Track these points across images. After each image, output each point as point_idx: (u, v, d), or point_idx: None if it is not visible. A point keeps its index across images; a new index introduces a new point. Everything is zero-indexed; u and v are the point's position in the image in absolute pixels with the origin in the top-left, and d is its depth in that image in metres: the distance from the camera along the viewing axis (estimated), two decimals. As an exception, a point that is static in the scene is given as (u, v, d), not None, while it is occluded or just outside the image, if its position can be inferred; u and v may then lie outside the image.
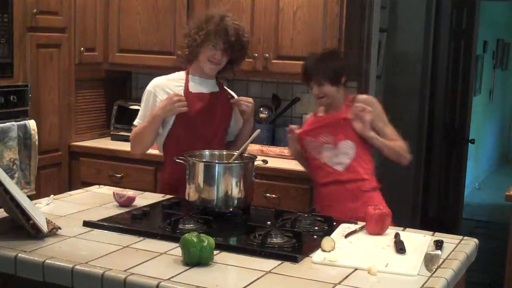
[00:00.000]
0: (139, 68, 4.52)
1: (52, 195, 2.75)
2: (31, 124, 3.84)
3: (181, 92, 3.01)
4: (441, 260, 2.09)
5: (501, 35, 9.44)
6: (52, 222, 2.30)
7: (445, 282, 1.92)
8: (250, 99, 3.09)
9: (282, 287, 1.87)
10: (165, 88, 3.04)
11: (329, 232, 2.31)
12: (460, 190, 5.93)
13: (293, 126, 3.04)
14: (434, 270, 2.00)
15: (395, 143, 2.97)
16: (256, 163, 2.65)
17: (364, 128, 2.87)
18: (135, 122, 3.09)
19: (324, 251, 2.11)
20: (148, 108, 3.05)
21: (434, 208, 5.84)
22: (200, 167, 2.53)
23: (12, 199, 2.16)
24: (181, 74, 3.09)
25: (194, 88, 3.04)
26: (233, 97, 3.15)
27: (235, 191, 2.52)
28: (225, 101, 3.10)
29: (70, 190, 3.37)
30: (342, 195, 2.91)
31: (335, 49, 3.12)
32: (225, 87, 3.19)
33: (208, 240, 2.00)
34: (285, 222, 2.43)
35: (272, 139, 4.24)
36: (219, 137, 3.07)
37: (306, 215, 2.49)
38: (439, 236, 2.36)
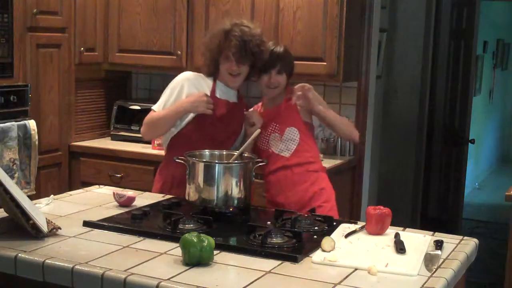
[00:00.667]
0: (139, 68, 4.52)
1: (52, 195, 2.75)
2: (31, 124, 3.85)
3: (209, 93, 3.00)
4: (441, 260, 2.09)
5: (501, 35, 9.45)
6: (52, 222, 2.30)
7: (445, 282, 1.92)
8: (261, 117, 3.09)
9: (282, 287, 1.87)
10: (195, 84, 3.02)
11: (329, 232, 2.31)
12: (460, 190, 5.93)
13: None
14: (434, 270, 2.00)
15: (343, 118, 3.20)
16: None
17: (311, 103, 2.98)
18: (153, 107, 3.03)
19: (324, 251, 2.11)
20: (172, 98, 3.00)
21: (434, 208, 5.85)
22: (200, 167, 2.53)
23: (12, 199, 2.16)
24: (210, 78, 3.07)
25: (220, 94, 3.03)
26: (247, 109, 3.15)
27: (235, 191, 2.52)
28: (242, 113, 3.10)
29: (70, 190, 3.36)
30: (290, 179, 2.99)
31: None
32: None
33: (208, 240, 2.00)
34: (285, 222, 2.43)
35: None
36: (228, 147, 3.05)
37: (306, 215, 2.49)
38: (439, 236, 2.36)
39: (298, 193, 2.96)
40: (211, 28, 3.14)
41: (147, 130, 3.05)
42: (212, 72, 3.03)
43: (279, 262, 2.04)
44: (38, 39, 3.93)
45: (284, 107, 3.04)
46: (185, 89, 2.99)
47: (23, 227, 2.19)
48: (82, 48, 4.22)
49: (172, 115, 2.96)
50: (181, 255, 2.01)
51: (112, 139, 4.47)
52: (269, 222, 2.43)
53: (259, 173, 2.87)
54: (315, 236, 2.29)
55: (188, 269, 1.96)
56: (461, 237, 2.37)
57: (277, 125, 3.03)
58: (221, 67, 2.98)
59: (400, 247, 2.15)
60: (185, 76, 3.05)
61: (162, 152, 3.98)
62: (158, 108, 3.02)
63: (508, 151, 11.00)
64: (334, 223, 2.44)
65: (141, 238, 2.24)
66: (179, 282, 1.85)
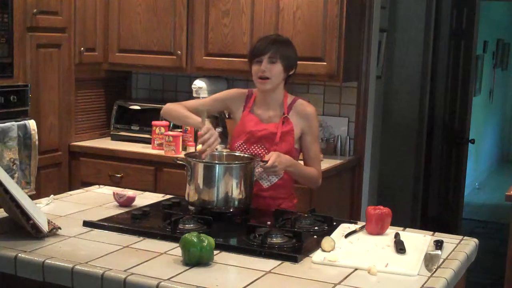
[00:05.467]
0: (139, 68, 4.52)
1: (52, 195, 2.76)
2: (31, 124, 3.84)
3: None
4: (441, 260, 2.09)
5: (501, 35, 9.44)
6: (52, 222, 2.30)
7: (445, 282, 1.92)
8: None
9: (282, 287, 1.87)
10: None
11: (329, 232, 2.31)
12: (460, 190, 5.93)
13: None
14: (434, 270, 2.00)
15: (308, 172, 2.80)
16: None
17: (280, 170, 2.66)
18: None
19: (324, 251, 2.11)
20: None
21: (434, 208, 5.84)
22: (200, 168, 2.53)
23: (12, 199, 2.16)
24: None
25: None
26: None
27: (236, 192, 2.52)
28: None
29: (70, 190, 3.36)
30: (260, 208, 2.74)
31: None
32: None
33: (208, 240, 2.00)
34: (285, 222, 2.43)
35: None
36: None
37: (306, 215, 2.49)
38: (439, 236, 2.36)
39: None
40: None
41: None
42: None
43: (279, 262, 2.04)
44: (38, 39, 3.93)
45: (279, 134, 2.75)
46: None
47: (23, 227, 2.19)
48: (82, 48, 4.22)
49: None
50: (181, 255, 2.01)
51: (112, 139, 4.47)
52: (269, 222, 2.43)
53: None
54: (315, 236, 2.29)
55: (188, 269, 1.96)
56: (461, 237, 2.37)
57: (266, 151, 2.74)
58: None
59: (400, 247, 2.15)
60: None
61: (162, 152, 4.02)
62: None
63: (508, 151, 10.99)
64: (334, 223, 2.44)
65: (141, 238, 2.24)
66: (179, 282, 1.85)
